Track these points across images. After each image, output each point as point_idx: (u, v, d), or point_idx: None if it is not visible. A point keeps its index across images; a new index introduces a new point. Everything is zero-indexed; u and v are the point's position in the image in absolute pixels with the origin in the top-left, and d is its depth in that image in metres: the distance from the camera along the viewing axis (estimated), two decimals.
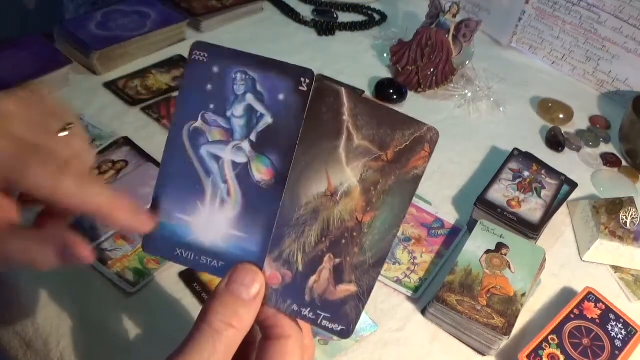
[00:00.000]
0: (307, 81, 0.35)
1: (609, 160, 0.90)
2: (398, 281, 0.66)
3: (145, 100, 0.84)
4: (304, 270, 0.36)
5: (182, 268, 0.64)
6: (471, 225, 0.72)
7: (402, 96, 0.93)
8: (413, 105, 0.93)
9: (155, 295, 0.61)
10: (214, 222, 0.36)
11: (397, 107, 0.92)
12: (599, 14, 0.99)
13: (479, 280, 0.62)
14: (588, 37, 1.02)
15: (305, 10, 1.12)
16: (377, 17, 1.14)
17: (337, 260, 0.36)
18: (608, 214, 0.73)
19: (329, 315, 0.36)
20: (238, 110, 0.36)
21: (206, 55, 0.36)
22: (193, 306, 0.61)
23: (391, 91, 0.93)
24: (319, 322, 0.36)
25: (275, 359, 0.35)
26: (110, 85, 0.86)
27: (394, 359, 0.60)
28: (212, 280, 0.63)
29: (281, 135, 0.35)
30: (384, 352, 0.60)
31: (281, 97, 0.35)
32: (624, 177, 0.87)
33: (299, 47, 1.03)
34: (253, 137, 0.35)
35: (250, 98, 0.35)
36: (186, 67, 0.36)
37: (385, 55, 1.01)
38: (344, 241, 0.36)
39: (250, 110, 0.35)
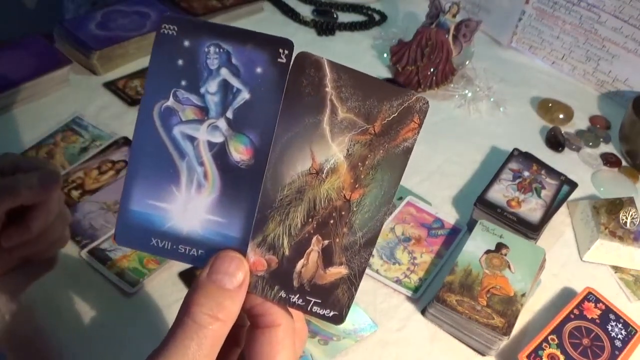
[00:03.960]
0: (286, 52, 0.33)
1: (609, 160, 0.90)
2: (398, 281, 0.66)
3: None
4: (290, 255, 0.34)
5: (182, 268, 0.64)
6: (471, 225, 0.72)
7: None
8: None
9: (155, 295, 0.61)
10: (191, 208, 0.33)
11: None
12: (599, 14, 0.99)
13: (478, 281, 0.62)
14: (588, 37, 1.02)
15: (305, 10, 1.12)
16: (377, 17, 1.14)
17: (326, 242, 0.34)
18: (608, 214, 0.73)
19: (319, 301, 0.34)
20: (212, 86, 0.33)
21: (176, 28, 0.32)
22: None
23: None
24: (309, 308, 0.34)
25: (265, 348, 0.33)
26: (110, 85, 0.86)
27: (394, 359, 0.60)
28: None
29: (260, 111, 0.33)
30: (384, 352, 0.60)
31: (258, 70, 0.33)
32: (624, 177, 0.87)
33: (299, 47, 1.02)
34: (230, 114, 0.33)
35: (225, 73, 0.33)
36: (154, 42, 0.33)
37: (385, 55, 1.01)
38: (332, 221, 0.34)
39: (225, 86, 0.33)
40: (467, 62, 1.00)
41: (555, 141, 0.90)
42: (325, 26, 1.08)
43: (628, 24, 0.97)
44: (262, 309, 0.33)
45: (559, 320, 0.61)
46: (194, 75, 0.33)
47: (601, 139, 0.93)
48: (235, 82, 0.33)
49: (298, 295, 0.34)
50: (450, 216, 0.75)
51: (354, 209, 0.34)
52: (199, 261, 0.34)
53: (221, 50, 0.32)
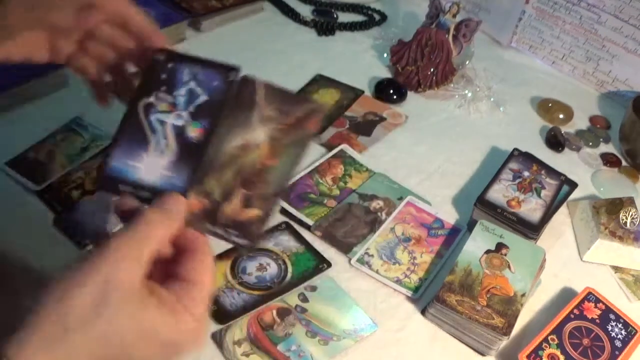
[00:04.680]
0: (234, 73, 0.49)
1: (609, 160, 0.90)
2: (398, 281, 0.66)
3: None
4: (220, 199, 0.46)
5: None
6: (471, 225, 0.72)
7: (402, 96, 0.93)
8: (413, 105, 0.93)
9: None
10: (153, 166, 0.46)
11: (397, 107, 0.92)
12: (599, 14, 0.99)
13: (478, 280, 0.62)
14: (588, 37, 1.02)
15: (305, 10, 1.12)
16: (377, 17, 1.14)
17: (247, 192, 0.46)
18: (608, 214, 0.73)
19: (237, 232, 0.46)
20: (182, 91, 0.48)
21: (164, 56, 0.50)
22: None
23: (391, 91, 0.93)
24: (229, 237, 0.46)
25: (195, 265, 0.42)
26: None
27: (394, 359, 0.60)
28: None
29: (212, 107, 0.48)
30: (384, 352, 0.60)
31: (215, 83, 0.48)
32: (624, 177, 0.87)
33: (299, 47, 1.03)
34: (191, 108, 0.48)
35: (192, 84, 0.49)
36: (147, 64, 0.49)
37: (385, 55, 1.01)
38: (253, 178, 0.47)
39: (191, 91, 0.48)
40: (467, 62, 1.00)
41: (555, 141, 0.90)
42: (325, 26, 1.08)
43: (628, 24, 0.97)
44: (193, 236, 0.44)
45: (559, 320, 0.61)
46: (172, 84, 0.48)
47: (601, 139, 0.93)
48: (198, 90, 0.48)
49: (222, 228, 0.46)
50: (450, 216, 0.75)
51: (270, 171, 0.47)
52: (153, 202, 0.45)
53: (192, 70, 0.49)
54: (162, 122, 0.48)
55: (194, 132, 0.47)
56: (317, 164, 0.79)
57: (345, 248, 0.69)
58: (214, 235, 0.45)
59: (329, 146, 0.82)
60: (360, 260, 0.68)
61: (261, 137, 0.48)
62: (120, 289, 0.38)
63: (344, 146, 0.82)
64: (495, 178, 0.75)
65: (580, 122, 0.97)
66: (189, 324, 0.40)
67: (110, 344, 0.37)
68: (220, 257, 0.65)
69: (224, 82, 0.49)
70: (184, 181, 0.46)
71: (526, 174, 0.77)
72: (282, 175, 0.47)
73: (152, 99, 0.48)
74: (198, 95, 0.48)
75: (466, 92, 0.96)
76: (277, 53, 1.00)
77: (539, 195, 0.74)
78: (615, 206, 0.74)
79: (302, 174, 0.77)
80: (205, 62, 0.49)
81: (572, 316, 0.62)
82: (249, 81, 0.49)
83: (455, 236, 0.73)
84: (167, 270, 0.43)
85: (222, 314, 0.60)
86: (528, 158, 0.79)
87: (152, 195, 0.46)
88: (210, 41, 0.99)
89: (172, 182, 0.46)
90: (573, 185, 0.78)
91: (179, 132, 0.47)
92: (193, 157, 0.47)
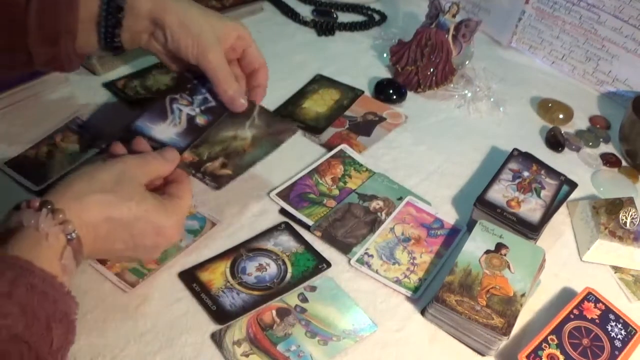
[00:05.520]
0: None
1: (608, 160, 0.90)
2: (397, 281, 0.66)
3: (145, 101, 0.84)
4: (205, 160, 0.67)
5: (182, 269, 0.64)
6: (471, 225, 0.72)
7: (401, 96, 0.93)
8: (413, 105, 0.93)
9: (154, 296, 0.61)
10: (166, 131, 0.67)
11: (396, 107, 0.92)
12: (598, 14, 0.99)
13: (478, 281, 0.62)
14: (588, 37, 1.02)
15: (305, 11, 1.12)
16: (377, 17, 1.14)
17: (227, 161, 0.68)
18: (608, 214, 0.73)
19: (211, 178, 0.66)
20: (199, 96, 0.72)
21: (191, 76, 0.72)
22: (192, 307, 0.61)
23: (391, 91, 0.93)
24: (204, 180, 0.66)
25: (180, 189, 0.61)
26: (110, 85, 0.86)
27: (394, 359, 0.60)
28: (210, 280, 0.63)
29: (218, 109, 0.71)
30: (384, 352, 0.60)
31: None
32: (624, 177, 0.87)
33: (299, 47, 1.03)
34: (202, 107, 0.71)
35: (207, 94, 0.72)
36: (179, 77, 0.73)
37: (385, 55, 1.01)
38: (233, 154, 0.69)
39: (205, 98, 0.71)
40: (467, 62, 1.00)
41: (555, 141, 0.90)
42: (325, 26, 1.08)
43: (628, 24, 0.97)
44: (179, 172, 0.63)
45: (559, 321, 0.61)
46: (193, 91, 0.72)
47: (601, 139, 0.93)
48: (209, 97, 0.71)
49: (201, 175, 0.66)
50: (450, 216, 0.75)
51: (247, 154, 0.69)
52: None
53: (207, 84, 0.70)
54: (180, 110, 0.70)
55: (201, 120, 0.69)
56: (316, 164, 0.79)
57: (345, 248, 0.69)
58: (194, 176, 0.66)
59: (328, 146, 0.82)
60: (360, 261, 0.68)
61: (248, 135, 0.71)
62: (131, 181, 0.56)
63: (343, 146, 0.82)
64: (494, 178, 0.75)
65: (580, 122, 0.97)
66: (173, 218, 0.58)
67: (117, 212, 0.54)
68: (220, 257, 0.66)
69: None
70: (185, 144, 0.67)
71: (526, 174, 0.77)
72: (255, 158, 0.69)
73: (177, 96, 0.71)
74: (210, 101, 0.71)
75: (466, 92, 0.96)
76: (277, 53, 1.00)
77: (538, 195, 0.74)
78: (615, 206, 0.74)
79: (302, 174, 0.77)
80: None
81: (572, 316, 0.62)
82: (251, 102, 0.71)
83: (454, 236, 0.73)
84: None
85: (221, 314, 0.60)
86: (528, 158, 0.79)
87: (159, 147, 0.64)
88: None
89: (176, 143, 0.66)
90: (573, 185, 0.78)
91: (190, 118, 0.69)
92: (196, 133, 0.68)
